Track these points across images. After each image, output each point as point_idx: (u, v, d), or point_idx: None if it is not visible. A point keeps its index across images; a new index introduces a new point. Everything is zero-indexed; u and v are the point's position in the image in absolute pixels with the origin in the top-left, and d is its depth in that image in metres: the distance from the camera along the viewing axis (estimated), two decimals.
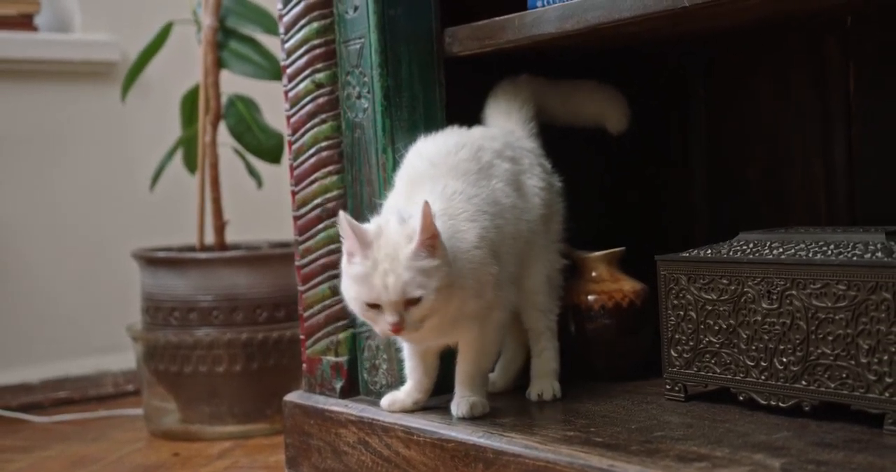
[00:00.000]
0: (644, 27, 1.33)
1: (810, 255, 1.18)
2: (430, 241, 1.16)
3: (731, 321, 1.25)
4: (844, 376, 1.13)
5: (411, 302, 1.15)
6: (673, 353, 1.32)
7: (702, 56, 1.68)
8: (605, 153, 1.68)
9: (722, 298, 1.26)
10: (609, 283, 1.47)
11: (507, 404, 1.36)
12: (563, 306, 1.45)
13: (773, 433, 1.13)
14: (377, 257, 1.15)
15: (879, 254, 1.12)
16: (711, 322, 1.27)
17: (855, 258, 1.13)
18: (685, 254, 1.31)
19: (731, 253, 1.27)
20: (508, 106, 1.48)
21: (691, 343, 1.30)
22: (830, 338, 1.14)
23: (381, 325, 1.16)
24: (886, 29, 1.44)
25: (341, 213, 1.17)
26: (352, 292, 1.18)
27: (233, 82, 2.11)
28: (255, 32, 2.04)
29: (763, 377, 1.22)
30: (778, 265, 1.19)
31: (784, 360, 1.19)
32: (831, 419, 1.16)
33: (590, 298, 1.46)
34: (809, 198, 1.55)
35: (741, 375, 1.25)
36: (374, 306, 1.16)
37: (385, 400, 1.36)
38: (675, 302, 1.31)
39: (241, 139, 2.04)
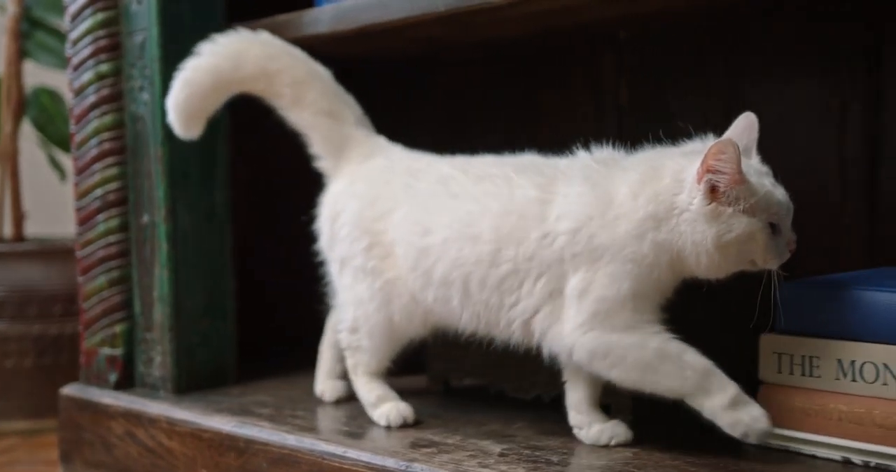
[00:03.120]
0: (421, 33, 1.37)
1: None
2: None
3: None
4: None
5: None
6: (435, 347, 1.36)
7: (493, 66, 1.73)
8: None
9: None
10: None
11: (277, 399, 1.38)
12: None
13: (510, 423, 1.18)
14: (761, 180, 0.99)
15: None
16: None
17: None
18: None
19: None
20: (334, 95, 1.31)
21: (451, 338, 1.34)
22: None
23: (781, 247, 0.99)
24: (655, 45, 1.51)
25: (729, 141, 0.96)
26: (756, 223, 0.97)
27: (41, 74, 2.07)
28: (61, 23, 2.01)
29: (510, 370, 1.27)
30: None
31: (529, 354, 1.25)
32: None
33: None
34: None
35: (492, 368, 1.29)
36: (775, 229, 0.99)
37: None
38: None
39: (44, 131, 2.01)
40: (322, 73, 1.29)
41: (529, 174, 1.09)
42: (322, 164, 1.30)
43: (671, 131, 1.50)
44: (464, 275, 1.09)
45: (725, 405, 0.97)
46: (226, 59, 1.27)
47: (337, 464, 1.08)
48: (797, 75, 1.35)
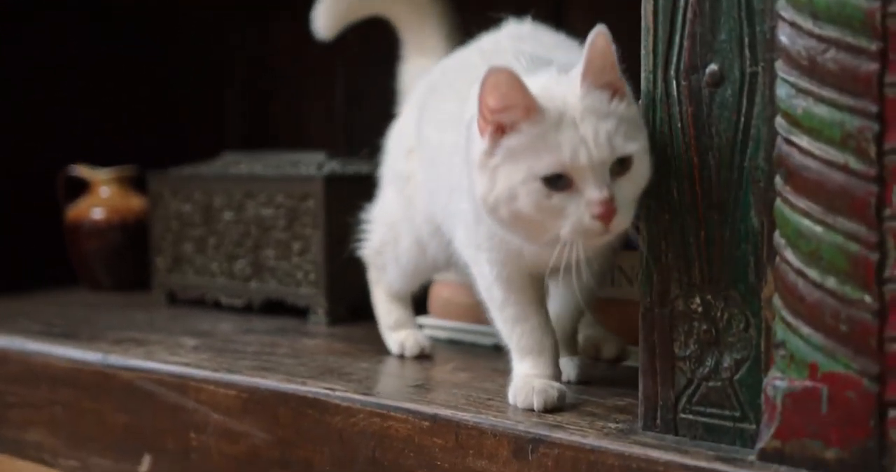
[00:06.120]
0: None
1: (265, 170, 1.33)
2: (614, 80, 0.77)
3: (203, 231, 1.38)
4: (282, 275, 1.30)
5: (619, 168, 0.75)
6: (159, 261, 1.44)
7: (242, 9, 1.80)
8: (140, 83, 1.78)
9: (196, 209, 1.39)
10: (118, 200, 1.57)
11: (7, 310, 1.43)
12: (70, 221, 1.55)
13: (216, 325, 1.28)
14: (555, 114, 0.75)
15: (312, 169, 1.29)
16: (188, 232, 1.40)
17: (291, 172, 1.29)
18: (172, 170, 1.43)
19: (205, 169, 1.40)
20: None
21: (173, 251, 1.42)
22: (273, 242, 1.31)
23: (575, 213, 0.74)
24: None
25: (498, 68, 0.74)
26: (516, 175, 0.75)
27: None
28: None
29: (225, 280, 1.37)
30: (236, 180, 1.34)
31: (240, 263, 1.34)
32: (277, 314, 1.32)
33: (97, 214, 1.55)
34: (324, 128, 1.73)
35: (209, 278, 1.39)
36: (559, 185, 0.74)
37: (538, 400, 0.84)
38: (161, 213, 1.43)
39: None
40: None
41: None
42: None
43: None
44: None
45: (521, 374, 0.88)
46: None
47: (42, 360, 1.15)
48: None
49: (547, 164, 0.74)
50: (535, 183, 0.74)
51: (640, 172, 0.75)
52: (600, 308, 0.99)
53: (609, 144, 0.74)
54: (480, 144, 0.78)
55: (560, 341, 0.92)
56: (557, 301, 0.96)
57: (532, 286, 0.89)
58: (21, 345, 1.19)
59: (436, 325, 1.18)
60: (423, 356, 1.08)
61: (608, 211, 0.73)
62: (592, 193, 0.73)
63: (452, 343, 1.15)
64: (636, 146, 0.74)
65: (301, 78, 1.74)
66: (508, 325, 0.89)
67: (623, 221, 0.75)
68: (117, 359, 1.08)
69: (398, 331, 1.11)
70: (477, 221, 0.86)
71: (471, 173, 0.79)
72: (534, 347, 0.88)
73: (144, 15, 1.79)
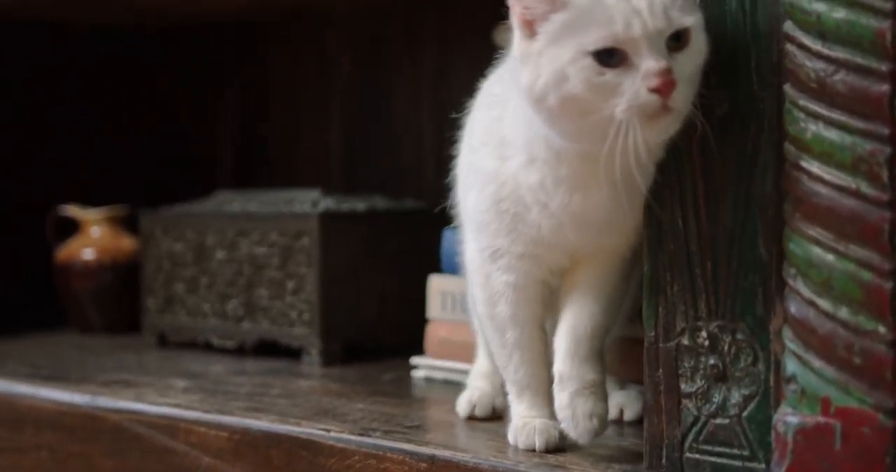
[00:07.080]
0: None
1: (258, 208, 1.31)
2: None
3: (195, 270, 1.36)
4: (275, 314, 1.27)
5: (675, 44, 0.70)
6: (150, 301, 1.42)
7: (235, 43, 1.79)
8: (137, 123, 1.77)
9: (188, 248, 1.36)
10: (109, 240, 1.54)
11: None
12: (60, 261, 1.52)
13: (208, 366, 1.25)
14: None
15: (307, 206, 1.27)
16: (180, 272, 1.38)
17: (284, 210, 1.27)
18: (164, 209, 1.41)
19: (197, 207, 1.38)
20: None
21: (164, 292, 1.40)
22: (266, 281, 1.28)
23: (631, 88, 0.69)
24: (373, 21, 1.62)
25: None
26: (564, 55, 0.70)
27: None
28: None
29: (216, 321, 1.34)
30: (229, 218, 1.32)
31: (232, 303, 1.32)
32: (270, 355, 1.29)
33: (88, 255, 1.53)
34: (317, 164, 1.71)
35: (201, 318, 1.36)
36: (612, 61, 0.69)
37: (539, 440, 0.81)
38: (153, 253, 1.41)
39: None
40: None
41: None
42: None
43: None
44: None
45: (519, 415, 0.85)
46: None
47: (28, 403, 1.12)
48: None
49: (598, 37, 0.69)
50: (586, 60, 0.69)
51: (698, 48, 0.71)
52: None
53: (665, 15, 0.69)
54: (516, 30, 0.74)
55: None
56: (567, 328, 0.83)
57: (540, 302, 0.84)
58: (6, 387, 1.16)
59: (432, 365, 1.15)
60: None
61: (667, 82, 0.68)
62: (650, 63, 0.68)
63: (449, 384, 1.12)
64: (693, 19, 0.70)
65: (297, 111, 1.73)
66: (507, 350, 0.85)
67: (682, 97, 0.69)
68: (106, 401, 1.05)
69: (471, 385, 1.01)
70: (499, 215, 0.81)
71: (515, 72, 0.74)
72: (531, 382, 0.84)
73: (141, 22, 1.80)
